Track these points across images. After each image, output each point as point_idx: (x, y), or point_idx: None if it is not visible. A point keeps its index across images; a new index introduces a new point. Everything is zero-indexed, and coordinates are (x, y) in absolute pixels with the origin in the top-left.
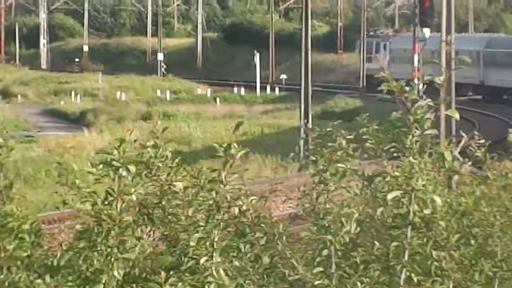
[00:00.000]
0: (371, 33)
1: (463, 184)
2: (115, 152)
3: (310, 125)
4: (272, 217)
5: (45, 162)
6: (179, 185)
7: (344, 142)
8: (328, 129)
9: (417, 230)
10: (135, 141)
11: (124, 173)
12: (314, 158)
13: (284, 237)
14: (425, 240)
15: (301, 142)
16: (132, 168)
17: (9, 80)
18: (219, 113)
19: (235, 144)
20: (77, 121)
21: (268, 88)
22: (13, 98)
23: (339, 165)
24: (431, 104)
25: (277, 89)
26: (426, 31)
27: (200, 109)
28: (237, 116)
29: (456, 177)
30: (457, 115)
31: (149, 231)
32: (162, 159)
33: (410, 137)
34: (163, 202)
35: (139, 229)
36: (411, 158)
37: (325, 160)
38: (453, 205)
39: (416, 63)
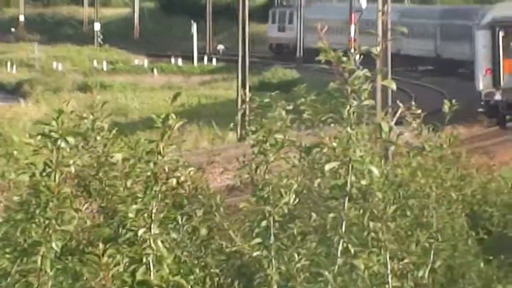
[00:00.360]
0: (284, 2)
1: (399, 155)
2: (54, 123)
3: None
4: (209, 188)
5: None
6: (117, 156)
7: (283, 113)
8: (266, 100)
9: (354, 201)
10: (71, 112)
11: (62, 145)
12: (253, 129)
13: (221, 209)
14: (361, 211)
15: (239, 113)
16: (71, 139)
17: None
18: (156, 84)
19: (173, 115)
20: (13, 91)
21: (206, 59)
22: None
23: (278, 136)
24: (368, 74)
25: (214, 60)
26: (363, 2)
27: (137, 80)
28: (175, 87)
29: (392, 148)
30: (393, 86)
31: (86, 203)
32: (99, 130)
33: (348, 107)
34: (100, 174)
35: (77, 201)
36: (348, 129)
37: (264, 130)
38: (390, 176)
39: (352, 34)
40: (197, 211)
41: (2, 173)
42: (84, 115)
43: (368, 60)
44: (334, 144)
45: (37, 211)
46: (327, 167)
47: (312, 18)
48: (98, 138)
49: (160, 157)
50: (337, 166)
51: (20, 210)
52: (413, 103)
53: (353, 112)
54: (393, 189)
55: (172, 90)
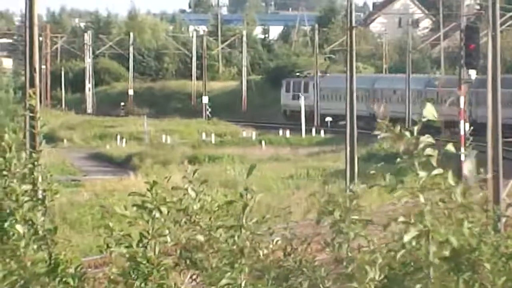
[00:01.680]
0: (298, 74)
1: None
2: (148, 194)
3: (355, 169)
4: (315, 261)
5: (90, 206)
6: (199, 238)
7: (359, 189)
8: (372, 172)
9: (461, 273)
10: (172, 188)
11: (157, 215)
12: (330, 209)
13: (326, 282)
14: (470, 283)
15: (348, 184)
16: (164, 209)
17: (55, 125)
18: (264, 156)
19: (253, 187)
20: (123, 164)
21: (314, 130)
22: (59, 143)
23: (354, 216)
24: (432, 141)
25: (322, 132)
26: (472, 73)
27: (245, 152)
28: (283, 159)
29: (504, 219)
30: (452, 149)
31: (192, 276)
32: (201, 204)
33: (417, 179)
34: (206, 247)
35: (180, 274)
36: (421, 198)
37: (341, 210)
38: (501, 248)
39: (462, 105)
40: (303, 282)
41: (106, 245)
42: (189, 187)
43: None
44: (410, 215)
45: (138, 283)
46: (406, 238)
47: (327, 87)
48: (197, 207)
49: (243, 230)
50: (414, 237)
51: (122, 282)
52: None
53: (422, 180)
54: (503, 261)
55: (280, 162)
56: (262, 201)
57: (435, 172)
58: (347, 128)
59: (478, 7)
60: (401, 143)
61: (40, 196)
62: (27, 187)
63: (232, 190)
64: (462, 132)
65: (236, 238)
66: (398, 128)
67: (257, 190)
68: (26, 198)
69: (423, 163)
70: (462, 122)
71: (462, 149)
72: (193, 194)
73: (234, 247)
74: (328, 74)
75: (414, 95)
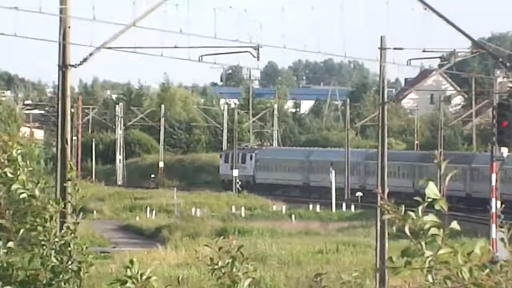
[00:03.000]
0: (242, 147)
1: None
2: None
3: (386, 244)
4: None
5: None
6: None
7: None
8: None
9: None
10: (211, 260)
11: None
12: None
13: None
14: None
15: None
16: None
17: (85, 196)
18: (294, 229)
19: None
20: (152, 237)
21: (344, 205)
22: (89, 214)
23: None
24: (436, 220)
25: (352, 206)
26: (504, 150)
27: (275, 226)
28: (313, 233)
29: None
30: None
31: None
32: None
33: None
34: None
35: None
36: (429, 278)
37: None
38: None
39: (494, 182)
40: None
41: None
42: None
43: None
44: None
45: None
46: None
47: (263, 158)
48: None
49: None
50: None
51: None
52: None
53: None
54: None
55: (309, 236)
56: (291, 275)
57: (441, 251)
58: (378, 204)
59: (511, 84)
60: (406, 225)
61: (75, 268)
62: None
63: (261, 264)
64: (493, 210)
65: None
66: (402, 209)
67: (288, 265)
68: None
69: (430, 242)
70: (493, 199)
71: (493, 227)
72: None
73: None
74: (264, 148)
75: (352, 167)
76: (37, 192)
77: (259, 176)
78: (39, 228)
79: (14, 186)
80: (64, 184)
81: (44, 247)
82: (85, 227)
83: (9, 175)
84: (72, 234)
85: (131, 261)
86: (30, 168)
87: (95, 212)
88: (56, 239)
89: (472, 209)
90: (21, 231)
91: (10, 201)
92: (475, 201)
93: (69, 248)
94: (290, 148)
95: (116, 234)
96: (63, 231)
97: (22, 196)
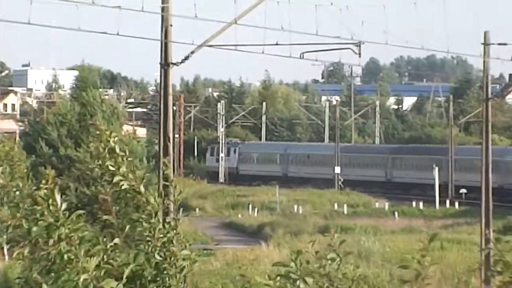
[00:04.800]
0: (227, 141)
1: None
2: (292, 264)
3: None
4: None
5: (222, 276)
6: None
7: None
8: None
9: None
10: (316, 252)
11: (301, 285)
12: (499, 269)
13: None
14: None
15: (482, 254)
16: (310, 280)
17: (188, 194)
18: (397, 227)
19: (428, 259)
20: (255, 234)
21: (448, 202)
22: (191, 212)
23: None
24: None
25: (456, 203)
26: None
27: (378, 223)
28: (416, 230)
29: None
30: None
31: None
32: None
33: None
34: None
35: None
36: None
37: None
38: None
39: None
40: None
41: None
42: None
43: None
44: None
45: None
46: None
47: (245, 152)
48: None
49: None
50: None
51: None
52: None
53: None
54: None
55: (413, 233)
56: (394, 272)
57: None
58: (482, 201)
59: None
60: None
61: (178, 265)
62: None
63: (364, 261)
64: None
65: None
66: None
67: (391, 262)
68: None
69: None
70: None
71: None
72: (336, 261)
73: None
74: (246, 142)
75: (327, 159)
76: (142, 188)
77: (242, 168)
78: (145, 224)
79: (116, 178)
80: (166, 182)
81: (149, 243)
82: (188, 225)
83: (111, 168)
84: (174, 231)
85: (299, 251)
86: (130, 159)
87: (197, 209)
88: (160, 235)
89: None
90: (127, 227)
91: (115, 198)
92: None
93: (172, 245)
94: (270, 142)
95: (218, 231)
96: (167, 227)
97: (124, 187)
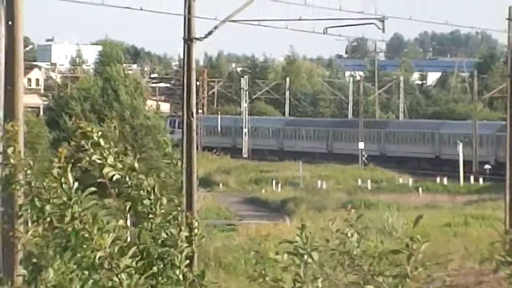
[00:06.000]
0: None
1: None
2: (298, 239)
3: None
4: None
5: (245, 251)
6: None
7: None
8: None
9: None
10: (337, 231)
11: (309, 260)
12: (509, 259)
13: None
14: None
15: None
16: (316, 255)
17: (211, 169)
18: (421, 203)
19: (418, 237)
20: (278, 209)
21: (472, 178)
22: (214, 187)
23: None
24: None
25: (481, 179)
26: None
27: (401, 199)
28: (440, 206)
29: None
30: None
31: None
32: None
33: None
34: None
35: None
36: None
37: None
38: None
39: None
40: None
41: None
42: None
43: None
44: None
45: None
46: None
47: (207, 125)
48: (360, 251)
49: (408, 281)
50: None
51: None
52: None
53: None
54: None
55: (437, 209)
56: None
57: None
58: (507, 177)
59: None
60: None
61: (185, 240)
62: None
63: (388, 237)
64: None
65: (400, 287)
66: None
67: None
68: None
69: None
70: None
71: None
72: (355, 238)
73: None
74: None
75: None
76: (136, 165)
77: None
78: (145, 201)
79: (105, 170)
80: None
81: (152, 220)
82: (211, 200)
83: (98, 161)
84: (179, 208)
85: (303, 226)
86: (116, 149)
87: (221, 185)
88: (162, 211)
89: None
90: (127, 207)
91: (112, 182)
92: None
93: (177, 222)
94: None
95: (242, 206)
96: (165, 203)
97: (115, 178)
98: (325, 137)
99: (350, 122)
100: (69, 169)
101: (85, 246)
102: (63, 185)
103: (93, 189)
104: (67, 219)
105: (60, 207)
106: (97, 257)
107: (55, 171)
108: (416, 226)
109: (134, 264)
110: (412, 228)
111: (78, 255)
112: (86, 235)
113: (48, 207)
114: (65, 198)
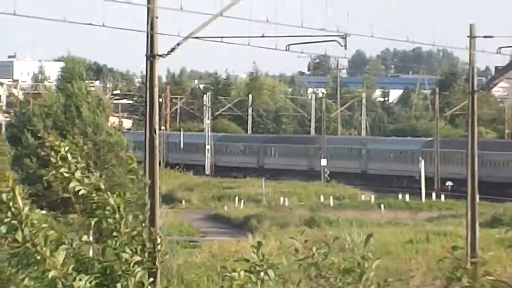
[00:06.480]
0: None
1: None
2: (254, 256)
3: (476, 234)
4: None
5: (207, 268)
6: None
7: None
8: (498, 236)
9: None
10: (305, 241)
11: (266, 277)
12: (458, 275)
13: None
14: None
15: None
16: (271, 273)
17: (174, 186)
18: (383, 219)
19: (370, 255)
20: (241, 226)
21: (434, 194)
22: (177, 204)
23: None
24: None
25: (442, 196)
26: None
27: (364, 216)
28: (402, 223)
29: None
30: None
31: None
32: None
33: None
34: None
35: None
36: None
37: (469, 276)
38: None
39: None
40: None
41: None
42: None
43: None
44: None
45: None
46: None
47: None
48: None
49: None
50: None
51: None
52: None
53: None
54: None
55: (399, 226)
56: (380, 265)
57: None
58: (468, 193)
59: None
60: None
61: (148, 258)
62: (137, 256)
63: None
64: None
65: None
66: None
67: (376, 255)
68: (138, 260)
69: None
70: None
71: None
72: (323, 251)
73: None
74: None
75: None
76: (101, 185)
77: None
78: (109, 220)
79: (72, 184)
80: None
81: (116, 238)
82: (174, 216)
83: (65, 174)
84: (143, 224)
85: (259, 243)
86: (83, 165)
87: (183, 201)
88: (127, 230)
89: None
90: (92, 224)
91: (77, 197)
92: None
93: (142, 238)
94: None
95: (204, 223)
96: (130, 221)
97: (81, 192)
98: (256, 152)
99: (279, 138)
100: (17, 192)
101: (39, 265)
102: (12, 209)
103: (44, 212)
104: (19, 240)
105: (8, 230)
106: (49, 276)
107: (4, 196)
108: (367, 244)
109: (88, 284)
110: (363, 247)
111: (34, 274)
112: (38, 257)
113: (2, 228)
114: (15, 222)
